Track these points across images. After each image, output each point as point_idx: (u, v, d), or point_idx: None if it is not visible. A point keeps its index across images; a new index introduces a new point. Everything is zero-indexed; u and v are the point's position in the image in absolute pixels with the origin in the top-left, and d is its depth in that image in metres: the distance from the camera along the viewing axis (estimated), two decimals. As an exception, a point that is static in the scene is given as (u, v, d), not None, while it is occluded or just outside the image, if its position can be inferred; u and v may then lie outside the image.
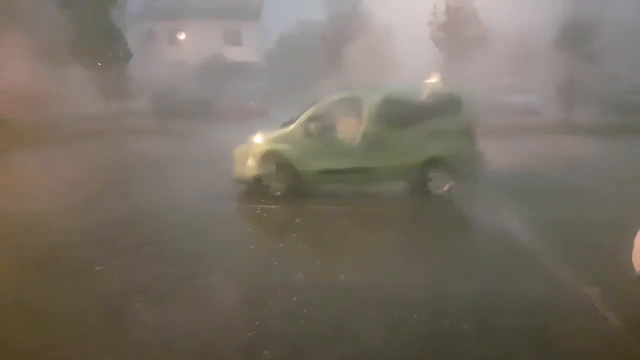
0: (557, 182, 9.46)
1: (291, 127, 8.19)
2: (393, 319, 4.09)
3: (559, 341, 3.74)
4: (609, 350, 3.64)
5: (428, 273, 5.04)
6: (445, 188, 8.02)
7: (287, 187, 8.11)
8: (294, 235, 6.45)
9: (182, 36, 38.08)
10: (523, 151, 13.64)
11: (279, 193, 8.11)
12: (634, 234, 4.07)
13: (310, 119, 8.02)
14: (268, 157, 8.10)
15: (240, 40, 38.59)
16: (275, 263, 5.37)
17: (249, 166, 8.14)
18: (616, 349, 3.66)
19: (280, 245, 6.04)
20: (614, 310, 4.13)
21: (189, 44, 37.03)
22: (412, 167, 7.95)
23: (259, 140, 8.33)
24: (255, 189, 8.25)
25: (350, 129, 8.11)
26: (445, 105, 8.02)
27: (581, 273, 4.91)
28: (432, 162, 7.97)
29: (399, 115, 7.97)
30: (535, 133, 16.95)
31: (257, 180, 8.17)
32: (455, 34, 21.13)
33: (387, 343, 3.73)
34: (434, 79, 8.47)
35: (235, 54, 35.38)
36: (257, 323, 4.02)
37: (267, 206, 7.76)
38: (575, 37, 19.33)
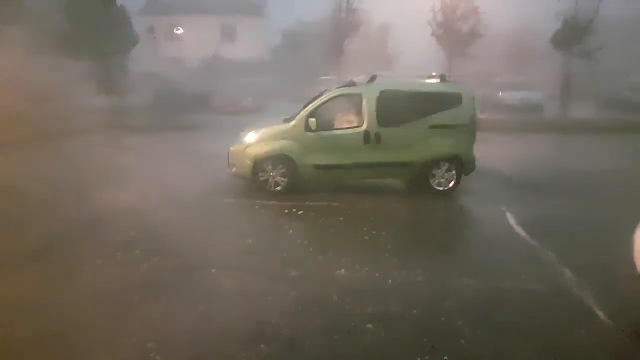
0: (556, 179, 9.46)
1: (291, 122, 8.14)
2: (391, 314, 4.08)
3: (556, 339, 3.73)
4: (606, 349, 3.63)
5: (427, 269, 5.02)
6: (448, 185, 8.00)
7: (286, 183, 8.08)
8: (291, 230, 6.42)
9: (179, 32, 38.06)
10: (522, 147, 13.64)
11: (279, 188, 8.09)
12: (633, 232, 4.06)
13: (311, 114, 7.97)
14: (267, 153, 8.07)
15: (236, 36, 38.60)
16: (274, 258, 5.35)
17: (247, 163, 8.11)
18: (612, 347, 3.65)
19: (279, 240, 6.02)
20: (610, 309, 4.12)
21: (187, 39, 37.00)
22: (413, 163, 7.93)
23: (256, 137, 8.29)
24: (253, 185, 8.22)
25: (350, 125, 8.09)
26: (446, 101, 8.00)
27: (579, 271, 4.90)
28: (433, 158, 7.95)
29: (399, 111, 7.93)
30: (534, 129, 16.93)
31: (255, 177, 8.14)
32: (453, 31, 21.29)
33: (385, 338, 3.72)
34: (434, 75, 8.46)
35: (231, 49, 35.32)
36: (254, 317, 4.01)
37: (265, 202, 7.73)
38: (573, 34, 19.31)
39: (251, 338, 3.71)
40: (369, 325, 3.89)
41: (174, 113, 20.26)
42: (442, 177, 8.04)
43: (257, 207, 7.55)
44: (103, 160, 11.23)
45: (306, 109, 8.13)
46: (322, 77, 24.49)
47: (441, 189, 8.04)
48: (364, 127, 7.90)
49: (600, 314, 4.06)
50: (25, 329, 3.81)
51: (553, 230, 6.34)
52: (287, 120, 8.40)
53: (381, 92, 7.93)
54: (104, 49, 20.78)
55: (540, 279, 4.77)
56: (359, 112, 8.00)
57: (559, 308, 4.22)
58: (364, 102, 7.91)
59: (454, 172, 8.01)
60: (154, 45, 24.10)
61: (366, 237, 6.10)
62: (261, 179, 8.12)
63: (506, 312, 4.13)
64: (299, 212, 7.14)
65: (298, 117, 8.09)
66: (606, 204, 7.48)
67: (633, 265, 3.92)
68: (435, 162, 7.99)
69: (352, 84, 8.33)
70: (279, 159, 8.04)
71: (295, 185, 8.15)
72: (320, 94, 8.48)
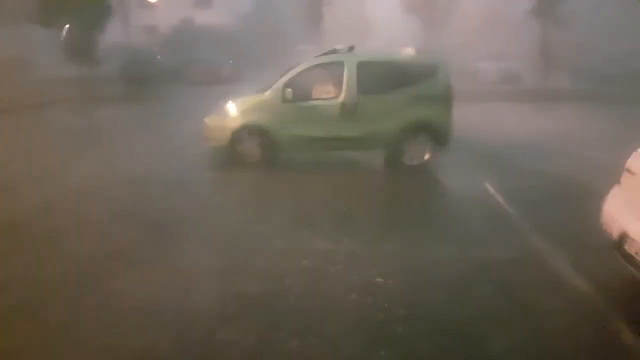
0: (532, 149, 9.56)
1: (267, 92, 7.97)
2: (368, 285, 4.09)
3: (531, 307, 3.80)
4: (580, 315, 3.70)
5: (403, 240, 5.04)
6: (425, 157, 8.01)
7: (263, 154, 7.97)
8: (270, 202, 6.37)
9: (152, -1, 36.74)
10: (499, 117, 13.72)
11: (256, 159, 7.97)
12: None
13: (287, 84, 7.81)
14: (243, 125, 7.90)
15: (212, 2, 37.43)
16: (251, 231, 5.30)
17: (223, 135, 7.95)
18: (586, 312, 3.73)
19: (256, 212, 5.96)
20: (585, 275, 4.19)
21: (159, 6, 35.76)
22: (390, 134, 7.88)
23: (232, 107, 8.11)
24: (230, 157, 8.09)
25: (327, 95, 7.97)
26: (422, 72, 7.94)
27: (554, 239, 4.98)
28: (410, 130, 7.92)
29: (377, 81, 7.84)
30: (511, 99, 17.04)
31: (232, 148, 7.99)
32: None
33: (361, 308, 3.73)
34: (411, 46, 8.39)
35: (206, 16, 34.32)
36: (233, 292, 3.97)
37: (242, 174, 7.63)
38: (548, 4, 19.38)
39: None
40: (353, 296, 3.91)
41: (146, 84, 19.71)
42: (417, 149, 8.01)
43: (233, 179, 7.44)
44: (69, 135, 10.91)
45: (282, 79, 7.95)
46: (301, 47, 23.98)
47: (415, 162, 8.02)
48: (343, 96, 7.79)
49: (577, 281, 4.14)
50: None
51: (531, 198, 6.43)
52: (260, 91, 8.22)
53: (358, 63, 7.82)
54: (79, 19, 19.90)
55: (516, 247, 4.84)
56: (337, 82, 7.87)
57: (534, 275, 4.30)
58: (341, 73, 7.79)
59: (429, 142, 8.00)
60: (123, 13, 23.04)
61: (344, 208, 6.09)
62: (238, 150, 7.99)
63: (481, 280, 4.18)
64: (274, 186, 7.07)
65: (274, 87, 7.92)
66: (583, 171, 7.60)
67: (606, 231, 3.99)
68: (409, 132, 7.95)
69: (333, 51, 8.17)
70: (256, 131, 7.90)
71: (272, 157, 8.02)
72: (297, 63, 8.30)
